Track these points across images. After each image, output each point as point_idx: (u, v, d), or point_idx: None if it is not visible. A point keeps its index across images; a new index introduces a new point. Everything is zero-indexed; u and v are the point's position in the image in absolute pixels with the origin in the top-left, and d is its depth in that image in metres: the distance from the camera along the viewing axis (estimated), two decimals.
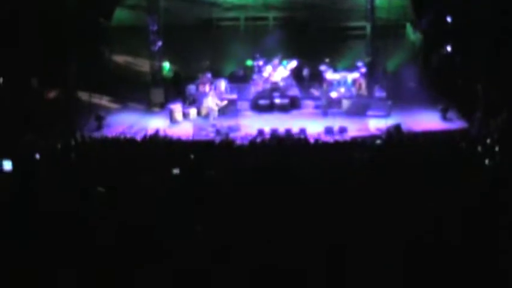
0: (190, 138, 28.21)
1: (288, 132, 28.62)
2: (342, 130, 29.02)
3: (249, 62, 34.62)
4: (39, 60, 29.72)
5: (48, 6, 31.06)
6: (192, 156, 18.41)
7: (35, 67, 30.14)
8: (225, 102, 31.47)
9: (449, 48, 33.38)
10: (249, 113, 32.38)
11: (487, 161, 15.48)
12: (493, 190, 10.74)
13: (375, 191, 11.29)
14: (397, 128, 28.05)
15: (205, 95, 32.09)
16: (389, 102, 31.34)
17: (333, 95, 32.11)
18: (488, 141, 20.71)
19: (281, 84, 33.15)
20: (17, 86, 29.51)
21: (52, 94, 31.26)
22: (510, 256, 7.68)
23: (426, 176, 12.35)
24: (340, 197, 10.84)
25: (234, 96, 32.64)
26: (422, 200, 10.17)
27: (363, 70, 33.29)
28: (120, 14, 36.44)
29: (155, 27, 33.39)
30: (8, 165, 14.70)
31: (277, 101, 32.33)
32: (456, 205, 9.61)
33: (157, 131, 27.97)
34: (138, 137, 26.72)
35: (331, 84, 32.85)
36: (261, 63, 33.80)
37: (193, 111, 31.68)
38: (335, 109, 31.71)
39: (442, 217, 8.95)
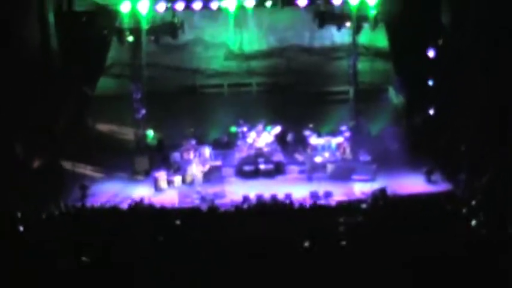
0: (176, 205, 28.06)
1: (274, 198, 28.50)
2: (327, 195, 28.93)
3: (233, 129, 34.69)
4: (23, 128, 29.67)
5: (31, 75, 31.11)
6: (177, 223, 18.33)
7: (20, 136, 30.07)
8: (207, 167, 31.44)
9: (431, 111, 33.59)
10: (234, 179, 32.26)
11: (473, 222, 15.44)
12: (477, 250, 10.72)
13: (362, 254, 11.22)
14: (383, 191, 27.98)
15: (189, 162, 32.04)
16: (374, 166, 31.34)
17: (318, 159, 32.11)
18: (473, 202, 20.71)
19: (265, 150, 33.14)
20: (1, 155, 29.38)
21: (36, 163, 31.11)
22: None
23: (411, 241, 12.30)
24: (328, 262, 10.76)
25: (218, 162, 32.57)
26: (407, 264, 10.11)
27: (347, 134, 33.37)
28: (104, 83, 36.54)
29: (139, 95, 33.50)
30: None
31: (262, 166, 32.29)
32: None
33: (142, 199, 27.80)
34: (123, 206, 26.60)
35: (316, 149, 32.88)
36: (245, 129, 33.86)
37: (178, 179, 31.54)
38: (320, 174, 31.65)
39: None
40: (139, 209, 25.73)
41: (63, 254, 11.85)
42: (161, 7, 32.53)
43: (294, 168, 32.71)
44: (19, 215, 22.84)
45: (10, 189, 26.49)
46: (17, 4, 32.55)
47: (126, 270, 11.24)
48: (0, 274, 10.56)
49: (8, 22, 31.66)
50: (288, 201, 27.13)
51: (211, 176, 31.57)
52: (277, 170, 32.38)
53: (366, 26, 33.45)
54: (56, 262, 11.14)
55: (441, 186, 30.05)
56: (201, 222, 20.52)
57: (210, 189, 30.27)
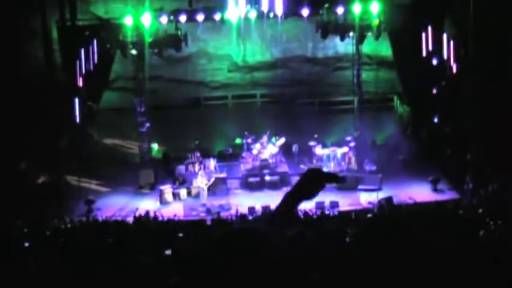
0: (181, 218, 27.97)
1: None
2: (334, 205, 28.83)
3: (238, 140, 34.66)
4: (28, 144, 29.67)
5: (35, 90, 31.15)
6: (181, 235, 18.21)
7: (24, 151, 30.08)
8: (212, 180, 31.35)
9: (436, 120, 33.53)
10: (240, 191, 32.21)
11: (481, 232, 15.30)
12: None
13: (369, 265, 11.07)
14: (389, 201, 27.88)
15: (194, 174, 31.99)
16: (380, 176, 31.24)
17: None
18: (480, 211, 20.57)
19: (270, 161, 33.07)
20: (6, 171, 29.38)
21: (41, 179, 31.10)
22: None
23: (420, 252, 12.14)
24: (335, 272, 10.62)
25: (223, 175, 32.50)
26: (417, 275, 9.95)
27: (352, 144, 33.30)
28: (108, 96, 36.55)
29: (143, 109, 33.49)
30: None
31: (267, 178, 32.21)
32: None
33: (147, 213, 27.73)
34: (129, 219, 26.56)
35: (321, 160, 32.82)
36: (250, 140, 33.83)
37: (183, 192, 31.48)
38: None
39: None
40: (145, 222, 25.64)
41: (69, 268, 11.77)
42: (164, 20, 32.53)
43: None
44: (24, 230, 22.80)
45: (15, 204, 26.47)
46: (20, 21, 32.67)
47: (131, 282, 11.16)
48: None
49: (12, 38, 31.76)
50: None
51: (217, 188, 31.47)
52: (283, 181, 32.26)
53: (369, 35, 33.41)
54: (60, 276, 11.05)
55: (447, 195, 29.93)
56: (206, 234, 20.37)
57: (216, 202, 30.21)
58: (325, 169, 31.82)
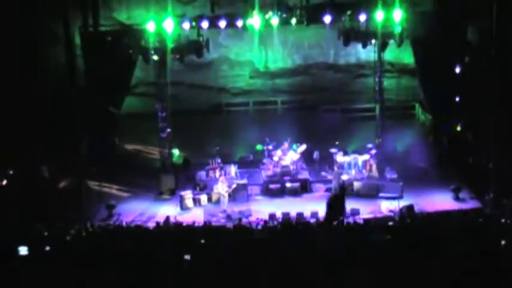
0: (201, 224, 27.95)
1: (300, 216, 28.36)
2: (354, 212, 28.72)
3: (259, 147, 34.60)
4: (50, 149, 29.80)
5: (58, 95, 31.30)
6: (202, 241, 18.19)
7: (46, 156, 30.21)
8: (234, 186, 31.32)
9: (458, 128, 33.36)
10: (260, 198, 32.18)
11: (503, 242, 15.18)
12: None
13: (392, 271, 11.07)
14: (410, 209, 27.75)
15: (215, 181, 31.98)
16: (401, 184, 31.10)
17: (344, 177, 31.91)
18: (502, 221, 20.45)
19: (291, 168, 33.01)
20: (28, 176, 29.52)
21: (63, 183, 31.22)
22: None
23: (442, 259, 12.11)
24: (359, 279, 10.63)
25: (244, 181, 32.46)
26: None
27: (374, 152, 33.18)
28: (130, 102, 36.64)
29: (164, 114, 33.53)
30: (23, 250, 14.88)
31: (288, 185, 32.16)
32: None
33: (167, 218, 27.75)
34: (149, 225, 26.60)
35: (342, 167, 32.71)
36: (270, 147, 33.78)
37: (203, 198, 31.49)
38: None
39: None
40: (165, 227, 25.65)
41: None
42: (186, 26, 32.58)
43: (320, 186, 32.57)
44: (45, 234, 22.87)
45: (36, 209, 26.59)
46: (43, 27, 32.84)
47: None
48: None
49: (35, 44, 31.93)
50: (314, 219, 26.98)
51: (237, 194, 31.45)
52: (303, 188, 32.23)
53: (392, 42, 33.31)
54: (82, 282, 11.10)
55: (469, 204, 29.76)
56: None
57: (236, 208, 30.18)
58: (345, 176, 31.77)
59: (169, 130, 33.66)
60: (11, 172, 29.14)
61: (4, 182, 28.46)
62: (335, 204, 16.36)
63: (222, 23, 32.93)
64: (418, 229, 21.20)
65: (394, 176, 32.12)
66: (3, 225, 23.12)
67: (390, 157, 33.80)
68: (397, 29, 32.59)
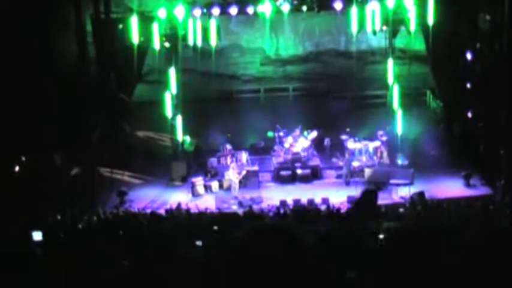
0: (213, 211, 28.08)
1: (311, 202, 28.44)
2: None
3: (270, 133, 34.60)
4: (62, 137, 29.91)
5: (69, 83, 31.37)
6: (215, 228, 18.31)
7: (58, 144, 30.32)
8: (244, 173, 31.40)
9: (470, 115, 33.31)
10: (271, 185, 32.25)
11: None
12: None
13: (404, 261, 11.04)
14: (421, 195, 27.77)
15: (226, 167, 32.06)
16: (412, 170, 31.08)
17: (355, 164, 31.94)
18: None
19: (302, 154, 33.02)
20: (40, 163, 29.64)
21: (75, 171, 31.34)
22: None
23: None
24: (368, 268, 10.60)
25: (255, 168, 32.53)
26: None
27: (384, 138, 33.16)
28: (141, 89, 36.74)
29: (175, 102, 33.58)
30: (38, 235, 14.98)
31: (299, 171, 32.20)
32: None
33: (179, 205, 27.89)
34: (161, 211, 26.78)
35: (353, 154, 32.71)
36: (281, 134, 33.77)
37: (215, 184, 31.57)
38: (357, 178, 31.46)
39: None
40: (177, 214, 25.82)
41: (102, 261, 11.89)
42: (197, 12, 32.61)
43: (331, 173, 32.62)
44: (58, 221, 23.06)
45: (49, 196, 26.74)
46: (54, 13, 32.87)
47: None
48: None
49: (46, 31, 31.97)
50: (325, 206, 27.06)
51: (248, 181, 31.53)
52: (314, 175, 32.27)
53: (403, 29, 33.26)
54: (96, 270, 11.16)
55: (480, 191, 29.78)
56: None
57: (247, 195, 30.28)
58: (356, 163, 31.78)
59: (180, 117, 33.73)
60: (24, 159, 29.27)
61: (17, 169, 28.57)
62: (369, 200, 16.27)
63: (233, 10, 32.92)
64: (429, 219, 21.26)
65: (405, 162, 32.11)
66: (16, 211, 23.29)
67: (401, 144, 33.78)
68: (408, 16, 32.53)
